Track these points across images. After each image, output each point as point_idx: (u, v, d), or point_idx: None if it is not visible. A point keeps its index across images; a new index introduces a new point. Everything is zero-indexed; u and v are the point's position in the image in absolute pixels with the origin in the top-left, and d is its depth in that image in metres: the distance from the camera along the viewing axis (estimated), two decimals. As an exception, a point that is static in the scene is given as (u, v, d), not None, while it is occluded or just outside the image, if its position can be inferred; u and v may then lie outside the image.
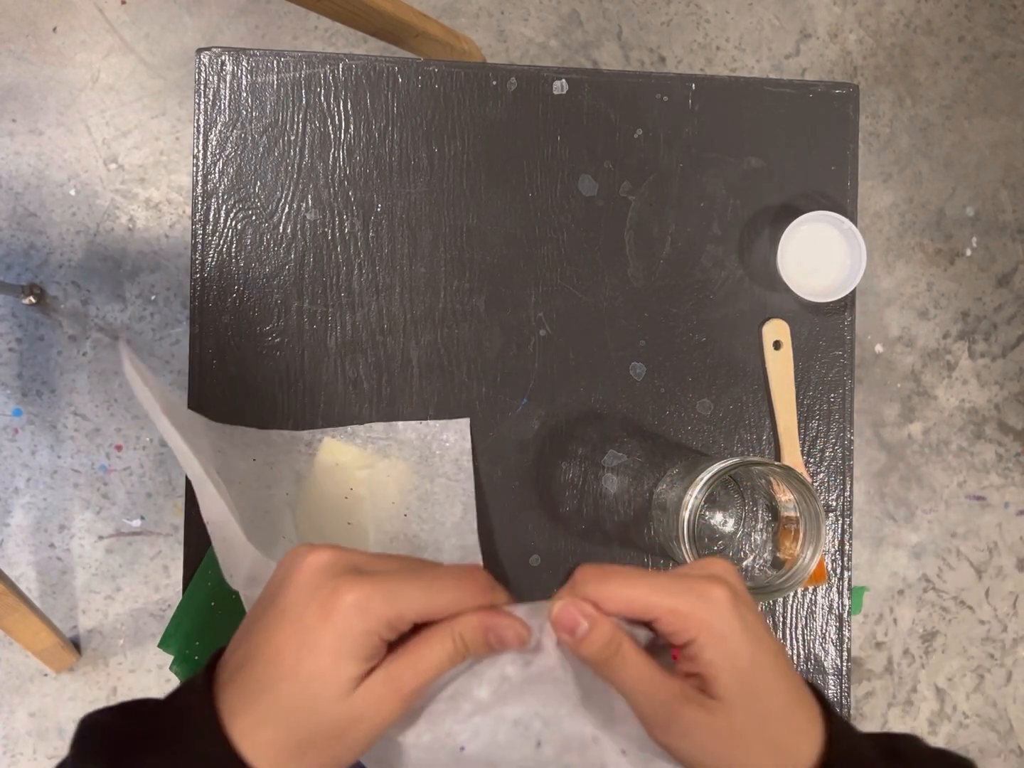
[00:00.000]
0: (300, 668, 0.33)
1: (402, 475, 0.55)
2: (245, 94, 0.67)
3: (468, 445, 0.54)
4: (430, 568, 0.36)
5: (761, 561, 0.66)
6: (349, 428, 0.64)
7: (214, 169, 0.67)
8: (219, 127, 0.67)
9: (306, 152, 0.67)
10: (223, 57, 0.67)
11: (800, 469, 0.68)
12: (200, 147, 0.67)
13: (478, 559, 0.61)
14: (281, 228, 0.67)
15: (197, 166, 0.67)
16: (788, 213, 0.68)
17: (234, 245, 0.67)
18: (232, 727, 0.33)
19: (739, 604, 0.35)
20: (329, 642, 0.33)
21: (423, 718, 0.35)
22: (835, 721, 0.36)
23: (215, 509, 0.45)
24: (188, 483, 0.67)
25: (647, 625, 0.36)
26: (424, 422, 0.62)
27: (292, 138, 0.67)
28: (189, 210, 1.42)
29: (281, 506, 0.53)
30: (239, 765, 0.32)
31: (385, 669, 0.34)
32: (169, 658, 0.65)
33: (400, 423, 0.63)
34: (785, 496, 0.64)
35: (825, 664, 0.69)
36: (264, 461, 0.56)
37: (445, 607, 0.35)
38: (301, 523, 0.60)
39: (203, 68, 0.67)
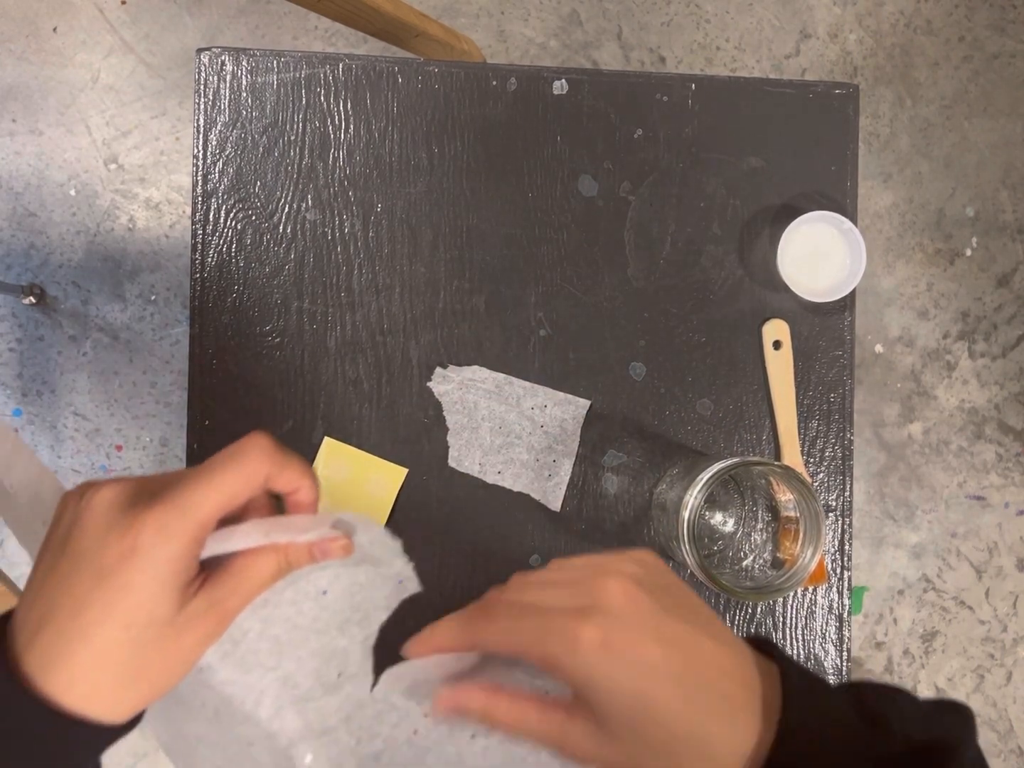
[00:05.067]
0: (114, 612, 0.31)
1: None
2: (245, 94, 0.67)
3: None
4: (208, 462, 0.34)
5: (761, 561, 0.66)
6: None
7: (214, 169, 0.67)
8: (219, 127, 0.67)
9: (306, 152, 0.67)
10: (223, 57, 0.67)
11: (800, 469, 0.68)
12: (200, 147, 0.67)
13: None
14: (281, 228, 0.67)
15: (197, 166, 0.67)
16: (788, 213, 0.68)
17: (234, 245, 0.67)
18: (48, 687, 0.31)
19: (617, 638, 0.31)
20: (139, 579, 0.32)
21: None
22: (791, 709, 0.32)
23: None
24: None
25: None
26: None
27: (292, 138, 0.67)
28: (189, 210, 1.42)
29: None
30: (65, 722, 0.31)
31: (208, 593, 0.33)
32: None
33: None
34: (785, 496, 0.64)
35: (825, 664, 0.69)
36: None
37: (238, 492, 0.34)
38: None
39: (203, 68, 0.67)
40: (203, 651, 0.34)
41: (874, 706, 0.33)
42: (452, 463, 0.67)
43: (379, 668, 0.37)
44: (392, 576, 0.36)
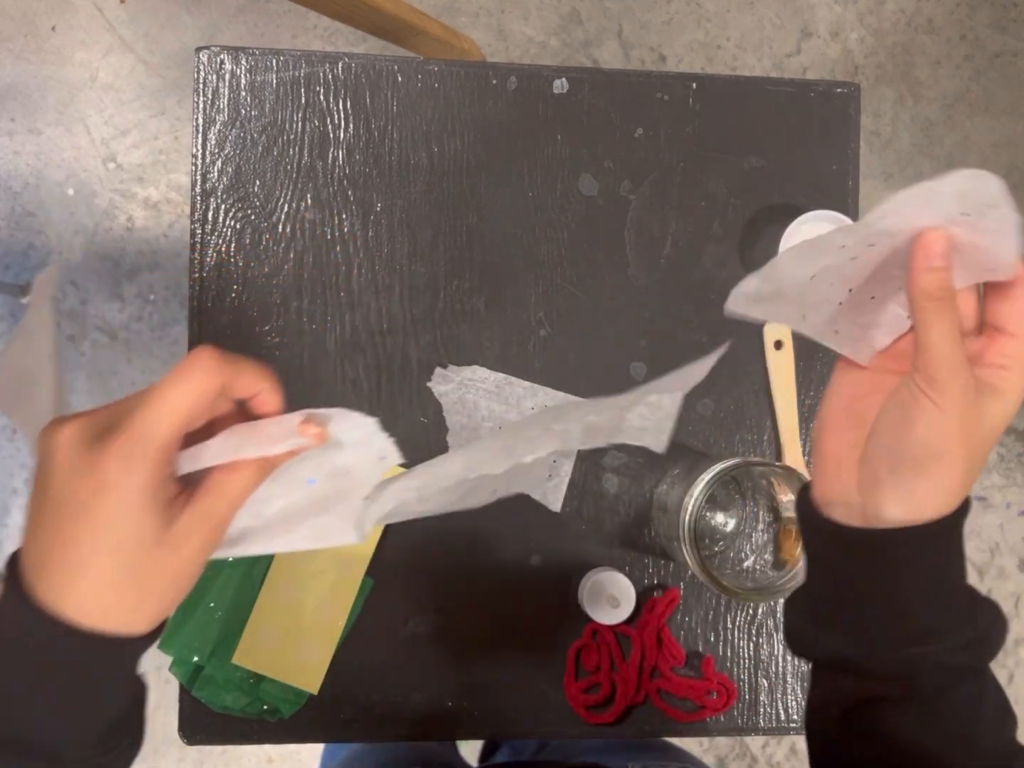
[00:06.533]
0: (99, 545, 0.34)
1: None
2: (244, 93, 0.67)
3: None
4: (159, 384, 0.35)
5: (762, 562, 0.65)
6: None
7: (213, 168, 0.67)
8: (218, 126, 0.67)
9: (305, 151, 0.67)
10: (222, 56, 0.67)
11: (801, 470, 0.68)
12: (199, 146, 0.67)
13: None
14: (280, 227, 0.67)
15: (196, 165, 0.67)
16: (789, 212, 0.67)
17: (233, 244, 0.67)
18: (65, 613, 0.34)
19: None
20: (115, 512, 0.33)
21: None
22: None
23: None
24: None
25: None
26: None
27: (291, 137, 0.67)
28: (188, 209, 1.42)
29: None
30: (91, 639, 0.34)
31: (195, 506, 0.35)
32: (168, 659, 0.65)
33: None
34: (786, 497, 0.63)
35: (826, 665, 0.69)
36: None
37: (192, 411, 0.35)
38: None
39: (202, 67, 0.67)
40: (204, 560, 0.36)
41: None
42: (452, 464, 0.66)
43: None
44: (374, 456, 0.38)
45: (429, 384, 0.67)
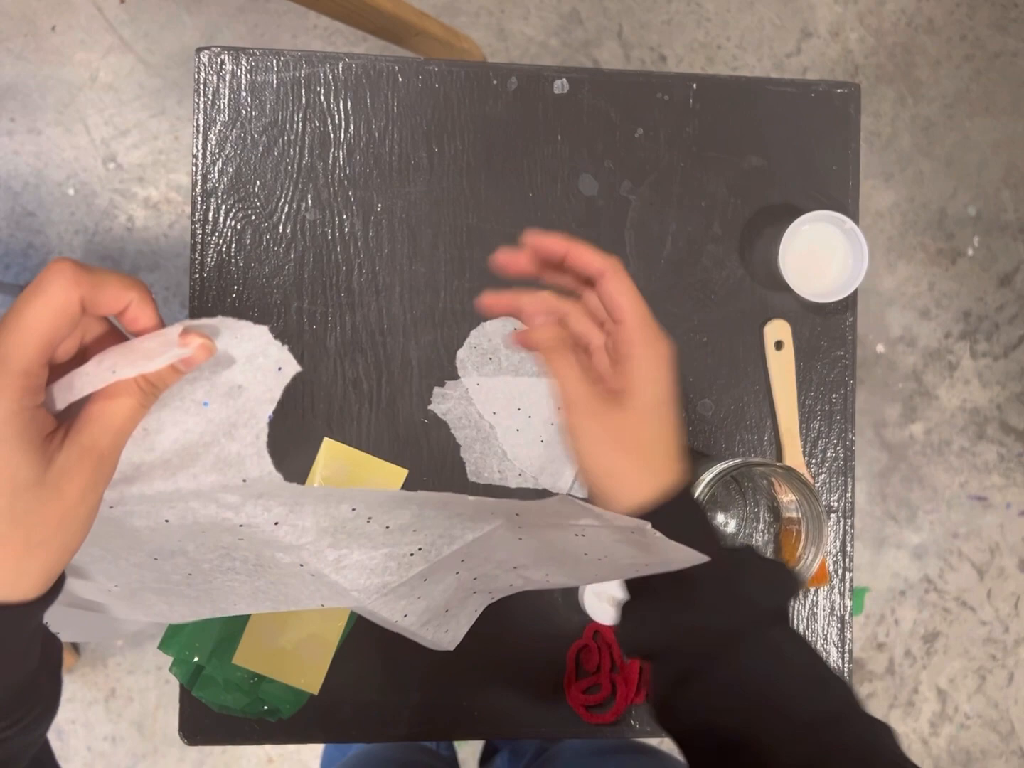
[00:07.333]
0: None
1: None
2: (244, 93, 0.67)
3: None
4: (14, 305, 0.31)
5: (763, 562, 0.65)
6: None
7: (213, 168, 0.67)
8: (218, 126, 0.67)
9: (306, 151, 0.67)
10: (222, 56, 0.67)
11: (802, 470, 0.68)
12: (199, 146, 0.67)
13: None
14: (281, 228, 0.67)
15: (196, 165, 0.67)
16: (789, 212, 0.67)
17: (233, 245, 0.67)
18: None
19: (669, 374, 0.44)
20: None
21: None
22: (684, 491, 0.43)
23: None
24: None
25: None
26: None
27: (292, 137, 0.67)
28: (188, 209, 1.42)
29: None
30: None
31: (75, 442, 0.31)
32: (168, 659, 0.65)
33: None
34: (787, 497, 0.63)
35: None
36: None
37: (53, 330, 0.30)
38: None
39: (202, 67, 0.67)
40: (95, 499, 0.32)
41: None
42: (472, 478, 0.66)
43: (276, 462, 0.35)
44: (270, 367, 0.34)
45: (430, 407, 0.67)
